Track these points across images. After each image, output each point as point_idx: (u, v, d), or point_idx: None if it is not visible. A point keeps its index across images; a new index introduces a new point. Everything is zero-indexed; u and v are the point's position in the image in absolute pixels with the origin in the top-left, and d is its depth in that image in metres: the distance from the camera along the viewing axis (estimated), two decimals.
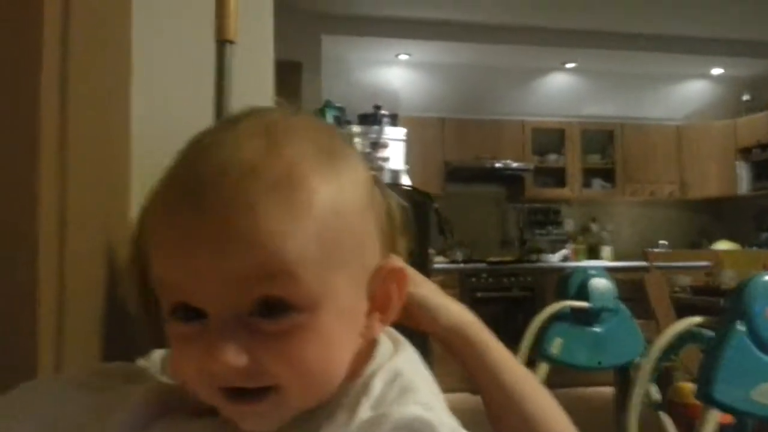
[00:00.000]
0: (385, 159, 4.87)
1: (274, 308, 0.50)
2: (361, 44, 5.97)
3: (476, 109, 6.42)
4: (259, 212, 0.48)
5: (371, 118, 5.46)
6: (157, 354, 0.74)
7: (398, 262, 0.60)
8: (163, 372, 0.70)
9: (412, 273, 0.69)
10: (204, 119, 1.11)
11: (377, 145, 4.98)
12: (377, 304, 0.58)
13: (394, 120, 5.60)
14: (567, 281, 2.45)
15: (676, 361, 2.63)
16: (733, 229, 6.61)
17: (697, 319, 2.13)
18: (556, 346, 2.35)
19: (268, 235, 0.48)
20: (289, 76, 4.76)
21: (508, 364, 0.74)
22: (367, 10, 5.50)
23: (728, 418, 2.22)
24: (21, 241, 0.76)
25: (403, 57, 6.31)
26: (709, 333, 2.10)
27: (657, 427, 2.43)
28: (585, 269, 2.53)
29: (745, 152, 6.41)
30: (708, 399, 1.99)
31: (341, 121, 5.10)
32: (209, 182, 0.49)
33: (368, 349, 0.59)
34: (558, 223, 6.69)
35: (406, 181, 4.34)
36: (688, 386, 2.61)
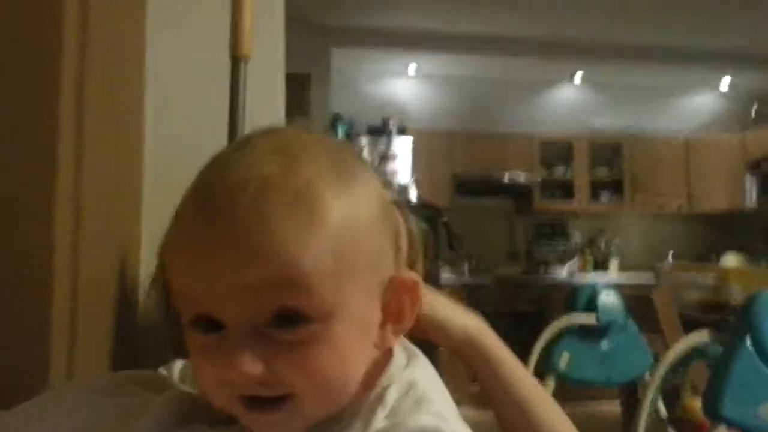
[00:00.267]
0: (394, 171, 4.88)
1: (290, 319, 0.51)
2: (370, 56, 6.00)
3: (484, 121, 6.43)
4: (276, 226, 0.50)
5: (380, 131, 5.48)
6: (178, 364, 0.76)
7: (411, 274, 0.61)
8: (182, 381, 0.72)
9: (423, 286, 0.70)
10: (218, 134, 1.13)
11: (385, 157, 5.00)
12: (391, 315, 0.59)
13: (403, 132, 5.62)
14: (575, 296, 2.45)
15: (684, 377, 2.62)
16: (741, 242, 6.57)
17: (705, 334, 2.13)
18: (564, 360, 2.34)
19: (284, 248, 0.50)
20: (298, 88, 4.78)
21: (520, 376, 0.75)
22: (376, 22, 5.53)
23: None
24: (37, 258, 0.78)
25: (411, 69, 6.33)
26: (717, 348, 2.09)
27: None
28: (593, 284, 2.52)
29: (754, 165, 6.37)
30: (715, 415, 1.99)
31: (351, 135, 5.12)
32: (228, 198, 0.51)
33: (383, 360, 0.60)
34: (565, 236, 6.67)
35: (413, 193, 4.34)
36: (696, 403, 2.60)
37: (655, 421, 2.32)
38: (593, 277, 5.76)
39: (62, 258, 0.81)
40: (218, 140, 1.10)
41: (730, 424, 1.99)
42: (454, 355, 0.76)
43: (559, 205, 6.51)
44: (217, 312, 0.52)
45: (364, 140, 5.15)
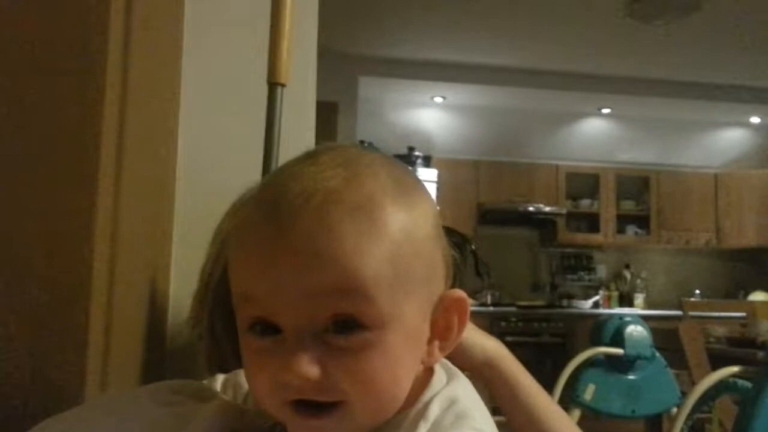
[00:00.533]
0: None
1: (346, 326, 0.53)
2: (397, 86, 6.05)
3: (510, 152, 6.44)
4: (339, 233, 0.52)
5: (405, 160, 5.51)
6: (220, 378, 0.79)
7: (461, 293, 0.62)
8: (224, 393, 0.75)
9: None
10: (252, 161, 1.15)
11: None
12: (438, 332, 0.60)
13: (428, 162, 5.65)
14: (602, 327, 2.42)
15: (711, 412, 2.58)
16: None
17: (734, 369, 2.10)
18: (589, 392, 2.31)
19: (345, 255, 0.52)
20: (326, 116, 4.82)
21: (540, 400, 0.77)
22: (403, 53, 5.59)
23: None
24: (76, 276, 0.80)
25: (437, 99, 6.38)
26: (746, 384, 2.06)
27: None
28: (620, 316, 2.50)
29: None
30: None
31: None
32: (294, 206, 0.53)
33: (425, 377, 0.61)
34: (590, 269, 6.62)
35: None
36: None
37: None
38: (618, 312, 5.69)
39: (99, 279, 0.83)
40: (252, 166, 1.12)
41: None
42: (475, 377, 0.77)
43: (584, 237, 6.48)
44: (276, 316, 0.54)
45: None
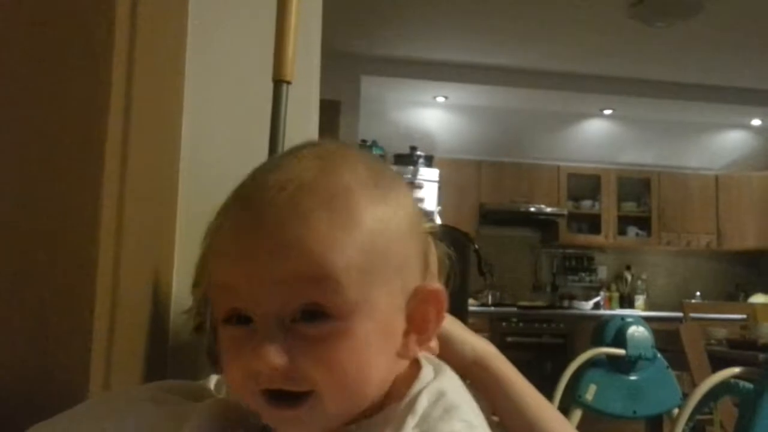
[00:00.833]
0: (420, 200, 4.90)
1: (315, 315, 0.53)
2: (399, 85, 6.05)
3: (512, 152, 6.44)
4: (311, 223, 0.53)
5: (407, 159, 5.52)
6: (213, 378, 0.80)
7: (437, 285, 0.62)
8: (218, 392, 0.76)
9: None
10: (256, 158, 1.15)
11: (412, 185, 5.03)
12: (415, 325, 0.60)
13: (430, 161, 5.65)
14: (603, 328, 2.42)
15: (712, 413, 2.57)
16: None
17: (735, 370, 2.09)
18: (590, 392, 2.31)
19: (317, 244, 0.53)
20: (328, 114, 4.83)
21: (531, 397, 0.78)
22: (406, 52, 5.59)
23: None
24: (81, 277, 0.81)
25: (440, 99, 6.38)
26: (747, 385, 2.06)
27: None
28: (622, 316, 2.50)
29: None
30: None
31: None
32: (268, 197, 0.54)
33: (412, 372, 0.62)
34: (591, 270, 6.62)
35: (438, 221, 4.36)
36: None
37: None
38: (620, 313, 5.69)
39: (104, 276, 0.83)
40: (257, 164, 1.12)
41: None
42: (465, 375, 0.77)
43: (585, 238, 6.47)
44: (248, 305, 0.54)
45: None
